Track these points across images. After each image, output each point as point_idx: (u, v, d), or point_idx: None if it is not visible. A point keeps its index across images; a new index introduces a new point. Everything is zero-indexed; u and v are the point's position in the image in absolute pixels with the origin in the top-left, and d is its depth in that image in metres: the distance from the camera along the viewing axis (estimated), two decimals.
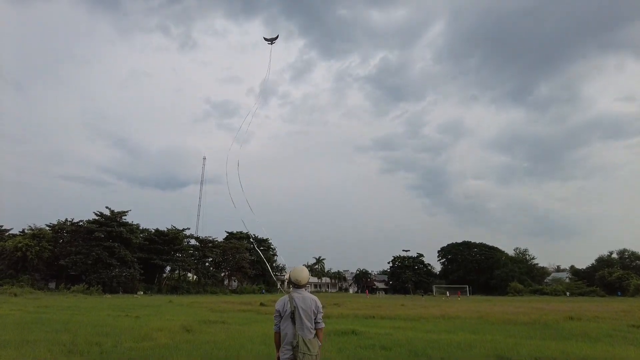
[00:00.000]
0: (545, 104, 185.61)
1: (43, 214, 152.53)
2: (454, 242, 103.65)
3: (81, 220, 59.17)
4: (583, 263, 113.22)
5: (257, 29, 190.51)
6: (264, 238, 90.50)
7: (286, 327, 4.00)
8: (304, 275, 4.16)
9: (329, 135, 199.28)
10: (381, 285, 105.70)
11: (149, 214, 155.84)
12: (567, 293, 76.45)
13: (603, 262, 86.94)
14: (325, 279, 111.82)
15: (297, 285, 4.12)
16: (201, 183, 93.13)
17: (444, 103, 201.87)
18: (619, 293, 72.68)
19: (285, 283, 79.99)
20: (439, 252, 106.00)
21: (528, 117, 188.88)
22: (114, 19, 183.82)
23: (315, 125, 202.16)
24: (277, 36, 22.92)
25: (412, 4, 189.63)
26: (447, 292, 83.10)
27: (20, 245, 51.17)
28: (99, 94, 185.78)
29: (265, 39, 22.68)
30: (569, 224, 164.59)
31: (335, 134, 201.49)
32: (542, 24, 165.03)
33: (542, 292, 79.42)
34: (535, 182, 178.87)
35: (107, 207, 60.78)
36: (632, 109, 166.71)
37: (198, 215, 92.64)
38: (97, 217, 59.33)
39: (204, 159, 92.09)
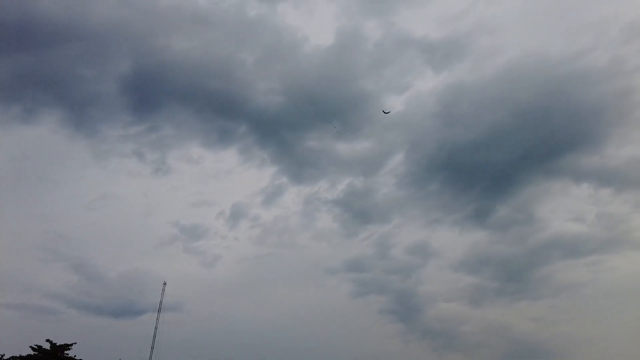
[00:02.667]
0: (505, 225, 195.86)
1: None
2: None
3: (13, 357, 52.69)
4: None
5: (231, 157, 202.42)
6: None
7: None
8: None
9: (298, 257, 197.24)
10: None
11: (98, 346, 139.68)
12: None
13: None
14: None
15: None
16: (159, 311, 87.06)
17: (410, 225, 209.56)
18: None
19: None
20: None
21: (491, 238, 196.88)
22: (91, 143, 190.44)
23: (285, 248, 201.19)
24: (390, 111, 28.58)
25: (374, 138, 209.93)
26: None
27: None
28: (63, 216, 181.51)
29: (384, 112, 28.75)
30: (546, 345, 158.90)
31: (305, 256, 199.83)
32: (492, 154, 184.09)
33: None
34: (506, 303, 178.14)
35: (47, 340, 54.99)
36: (583, 229, 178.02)
37: (152, 347, 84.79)
38: (34, 352, 53.13)
39: (164, 284, 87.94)
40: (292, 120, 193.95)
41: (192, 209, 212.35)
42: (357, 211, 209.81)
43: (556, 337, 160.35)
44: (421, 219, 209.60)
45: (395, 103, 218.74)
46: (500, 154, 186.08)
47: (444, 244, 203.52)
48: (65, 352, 55.39)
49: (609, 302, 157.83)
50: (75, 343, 56.45)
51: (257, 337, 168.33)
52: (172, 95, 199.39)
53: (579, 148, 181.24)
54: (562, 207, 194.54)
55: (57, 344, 55.09)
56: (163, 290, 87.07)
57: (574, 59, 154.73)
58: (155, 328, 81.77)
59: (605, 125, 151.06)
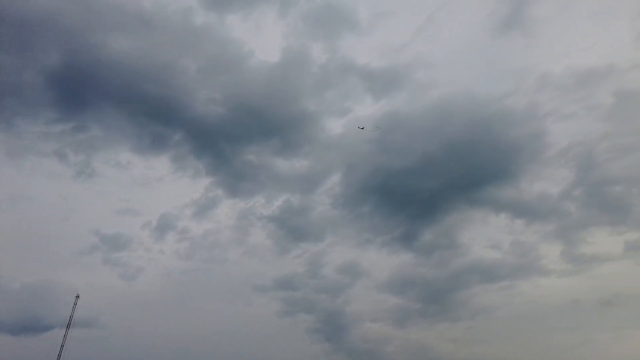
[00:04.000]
0: (429, 249, 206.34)
1: None
2: None
3: None
4: None
5: (163, 164, 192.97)
6: None
7: None
8: None
9: (228, 273, 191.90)
10: None
11: None
12: None
13: None
14: None
15: None
16: (67, 327, 79.77)
17: (342, 245, 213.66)
18: None
19: None
20: None
21: (416, 260, 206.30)
22: (5, 138, 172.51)
23: (214, 263, 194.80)
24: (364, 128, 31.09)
25: (312, 157, 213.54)
26: None
27: None
28: None
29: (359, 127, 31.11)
30: None
31: (235, 272, 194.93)
32: (421, 181, 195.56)
33: None
34: (427, 324, 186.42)
35: None
36: (498, 256, 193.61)
37: None
38: None
39: (77, 297, 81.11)
40: (232, 132, 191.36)
41: (115, 217, 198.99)
42: (292, 228, 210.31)
43: (471, 357, 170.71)
44: (353, 238, 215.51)
45: (335, 126, 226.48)
46: (428, 182, 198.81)
47: (372, 265, 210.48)
48: None
49: (518, 325, 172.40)
50: None
51: (179, 355, 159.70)
52: (105, 95, 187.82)
53: (499, 181, 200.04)
54: (482, 234, 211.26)
55: None
56: (75, 303, 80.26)
57: (498, 100, 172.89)
58: (62, 346, 74.70)
59: (521, 162, 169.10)
